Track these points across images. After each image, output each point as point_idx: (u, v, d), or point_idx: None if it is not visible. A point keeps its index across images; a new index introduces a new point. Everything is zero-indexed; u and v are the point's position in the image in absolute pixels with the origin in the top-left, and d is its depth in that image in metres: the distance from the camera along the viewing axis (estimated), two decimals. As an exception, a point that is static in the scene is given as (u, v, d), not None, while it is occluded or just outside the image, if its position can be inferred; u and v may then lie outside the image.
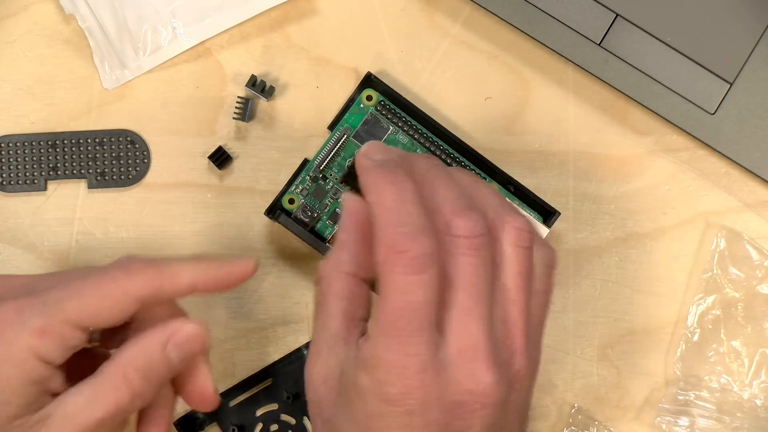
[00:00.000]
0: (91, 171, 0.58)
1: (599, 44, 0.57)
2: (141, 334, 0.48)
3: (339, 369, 0.45)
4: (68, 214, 0.59)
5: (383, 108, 0.57)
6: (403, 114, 0.57)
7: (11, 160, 0.58)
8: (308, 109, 0.59)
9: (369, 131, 0.57)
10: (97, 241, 0.59)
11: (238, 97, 0.58)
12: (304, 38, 0.59)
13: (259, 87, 0.58)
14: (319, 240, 0.56)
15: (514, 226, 0.45)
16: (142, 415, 0.50)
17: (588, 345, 0.58)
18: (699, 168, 0.59)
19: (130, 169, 0.59)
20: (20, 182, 0.58)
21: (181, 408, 0.58)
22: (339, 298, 0.46)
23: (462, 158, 0.57)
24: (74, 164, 0.58)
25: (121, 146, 0.59)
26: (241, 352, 0.58)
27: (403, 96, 0.57)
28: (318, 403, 0.45)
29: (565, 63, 0.58)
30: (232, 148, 0.59)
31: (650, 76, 0.57)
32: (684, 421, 0.57)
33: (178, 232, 0.59)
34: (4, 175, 0.58)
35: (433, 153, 0.57)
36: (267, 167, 0.59)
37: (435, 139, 0.57)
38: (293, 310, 0.58)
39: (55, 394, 0.46)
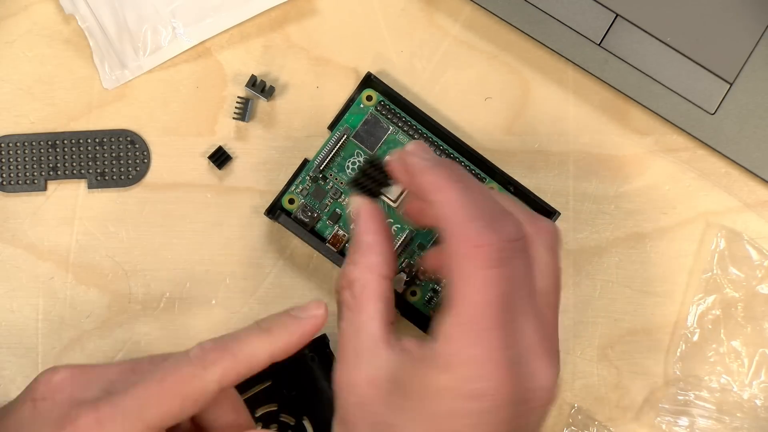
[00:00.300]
0: (91, 171, 0.58)
1: (599, 44, 0.57)
2: None
3: (387, 371, 0.45)
4: (68, 214, 0.59)
5: (383, 108, 0.57)
6: (403, 114, 0.57)
7: (11, 160, 0.58)
8: (308, 109, 0.59)
9: (369, 131, 0.57)
10: (97, 241, 0.59)
11: (238, 97, 0.58)
12: (304, 38, 0.59)
13: (259, 87, 0.58)
14: (319, 240, 0.56)
15: (548, 230, 0.47)
16: None
17: (588, 345, 0.58)
18: (699, 168, 0.59)
19: (130, 169, 0.59)
20: (20, 182, 0.58)
21: (181, 408, 0.58)
22: (377, 300, 0.46)
23: (462, 158, 0.57)
24: (74, 164, 0.58)
25: (121, 146, 0.59)
26: (241, 352, 0.58)
27: (403, 96, 0.57)
28: (363, 406, 0.45)
29: (565, 63, 0.58)
30: (232, 148, 0.59)
31: (650, 76, 0.57)
32: (684, 421, 0.57)
33: (178, 232, 0.59)
34: (4, 175, 0.58)
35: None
36: (267, 167, 0.59)
37: (435, 139, 0.57)
38: (293, 310, 0.58)
39: None
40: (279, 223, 0.56)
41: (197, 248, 0.58)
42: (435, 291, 0.56)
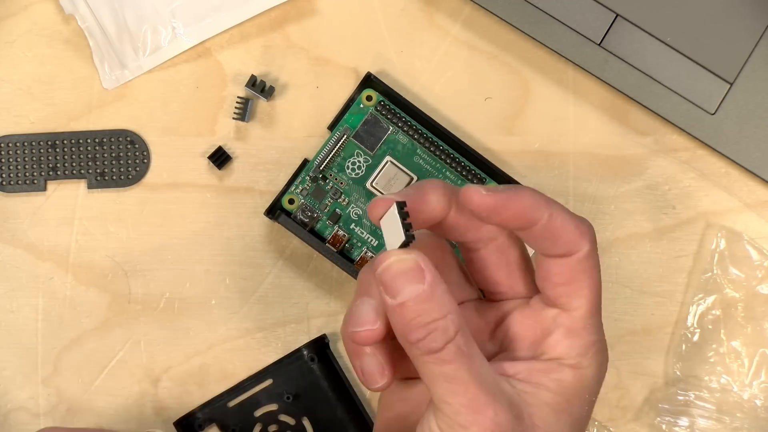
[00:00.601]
0: (90, 171, 0.58)
1: (599, 44, 0.57)
2: None
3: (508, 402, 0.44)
4: (68, 214, 0.59)
5: (383, 108, 0.57)
6: (403, 114, 0.57)
7: (11, 160, 0.58)
8: (308, 109, 0.59)
9: (369, 131, 0.57)
10: (96, 241, 0.59)
11: (238, 97, 0.58)
12: (304, 38, 0.59)
13: (259, 87, 0.58)
14: (319, 240, 0.56)
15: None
16: None
17: (588, 345, 0.58)
18: (699, 168, 0.59)
19: (130, 169, 0.59)
20: (20, 182, 0.58)
21: (181, 408, 0.58)
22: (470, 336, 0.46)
23: (462, 158, 0.57)
24: (74, 164, 0.58)
25: (120, 146, 0.59)
26: (240, 352, 0.58)
27: (403, 96, 0.57)
28: None
29: (565, 63, 0.58)
30: (231, 148, 0.59)
31: (650, 76, 0.57)
32: (684, 421, 0.57)
33: (178, 232, 0.59)
34: (4, 175, 0.58)
35: (433, 153, 0.57)
36: (267, 167, 0.59)
37: (435, 139, 0.57)
38: (293, 311, 0.58)
39: None
40: (279, 223, 0.56)
41: (197, 248, 0.58)
42: None
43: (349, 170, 0.57)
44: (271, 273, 0.58)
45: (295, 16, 0.59)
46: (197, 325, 0.58)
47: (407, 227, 0.42)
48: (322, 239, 0.57)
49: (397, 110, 0.57)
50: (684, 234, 0.58)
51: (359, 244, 0.57)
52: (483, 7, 0.58)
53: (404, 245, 0.42)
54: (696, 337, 0.57)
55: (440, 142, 0.57)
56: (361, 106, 0.57)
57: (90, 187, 0.58)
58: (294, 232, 0.56)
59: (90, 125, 0.59)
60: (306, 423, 0.57)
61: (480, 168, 0.57)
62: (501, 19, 0.57)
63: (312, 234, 0.57)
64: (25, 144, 0.58)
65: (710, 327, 0.57)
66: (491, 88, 0.59)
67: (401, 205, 0.42)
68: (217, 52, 0.59)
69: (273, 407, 0.57)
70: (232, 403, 0.57)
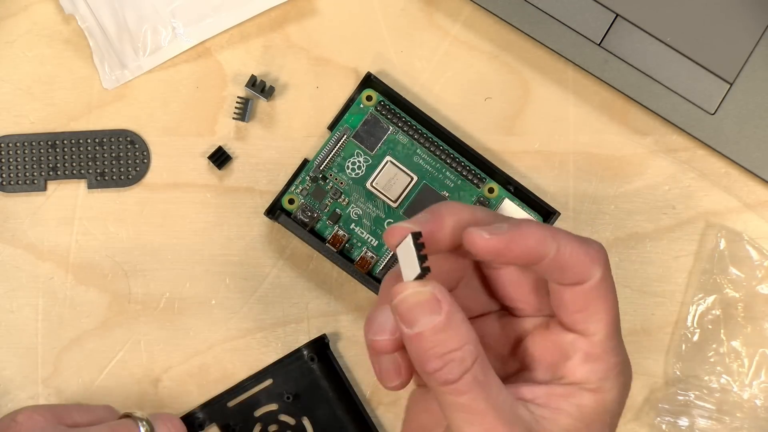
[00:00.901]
0: (90, 171, 0.58)
1: (599, 44, 0.57)
2: None
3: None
4: (68, 214, 0.59)
5: (383, 108, 0.57)
6: (403, 114, 0.57)
7: (11, 160, 0.58)
8: (308, 109, 0.59)
9: (369, 131, 0.57)
10: (96, 241, 0.59)
11: (238, 97, 0.58)
12: (304, 38, 0.59)
13: (259, 87, 0.58)
14: (319, 240, 0.56)
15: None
16: None
17: (588, 345, 0.58)
18: (699, 168, 0.59)
19: (130, 169, 0.59)
20: (20, 182, 0.58)
21: (181, 408, 0.58)
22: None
23: (462, 158, 0.57)
24: (74, 164, 0.58)
25: (120, 146, 0.59)
26: (240, 352, 0.58)
27: (403, 96, 0.57)
28: None
29: (565, 63, 0.58)
30: (231, 148, 0.59)
31: (650, 76, 0.57)
32: (684, 421, 0.57)
33: (178, 232, 0.59)
34: (4, 175, 0.58)
35: (433, 153, 0.57)
36: (267, 167, 0.59)
37: (435, 139, 0.57)
38: (293, 311, 0.58)
39: None
40: (279, 223, 0.56)
41: (197, 248, 0.58)
42: None
43: (349, 170, 0.57)
44: (271, 273, 0.58)
45: (295, 16, 0.59)
46: (197, 325, 0.58)
47: (422, 259, 0.41)
48: (322, 239, 0.57)
49: (397, 110, 0.57)
50: (684, 234, 0.58)
51: (359, 244, 0.57)
52: (483, 7, 0.58)
53: (419, 277, 0.41)
54: (696, 337, 0.57)
55: (440, 142, 0.57)
56: (361, 106, 0.57)
57: (90, 187, 0.58)
58: (294, 232, 0.56)
59: (90, 125, 0.59)
60: (306, 423, 0.57)
61: (480, 168, 0.57)
62: (501, 19, 0.57)
63: (312, 234, 0.57)
64: (25, 144, 0.58)
65: (710, 327, 0.57)
66: (491, 88, 0.59)
67: (416, 236, 0.42)
68: (217, 52, 0.59)
69: (273, 407, 0.57)
70: (232, 403, 0.57)
